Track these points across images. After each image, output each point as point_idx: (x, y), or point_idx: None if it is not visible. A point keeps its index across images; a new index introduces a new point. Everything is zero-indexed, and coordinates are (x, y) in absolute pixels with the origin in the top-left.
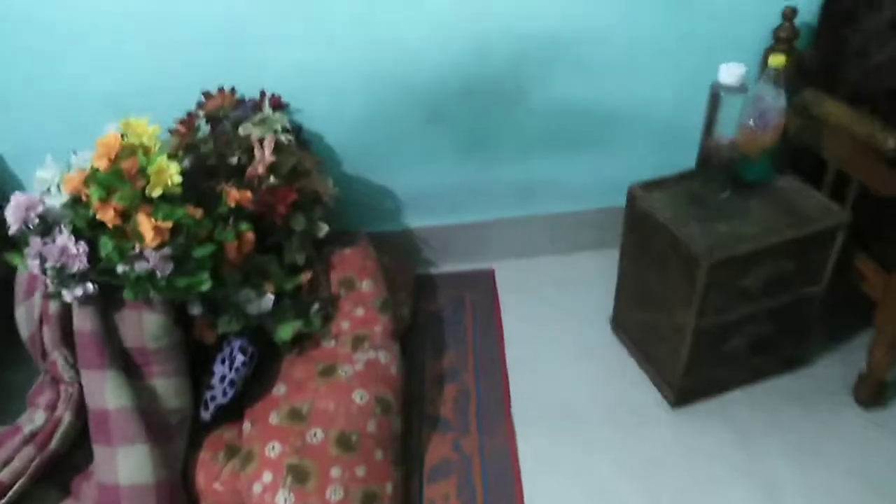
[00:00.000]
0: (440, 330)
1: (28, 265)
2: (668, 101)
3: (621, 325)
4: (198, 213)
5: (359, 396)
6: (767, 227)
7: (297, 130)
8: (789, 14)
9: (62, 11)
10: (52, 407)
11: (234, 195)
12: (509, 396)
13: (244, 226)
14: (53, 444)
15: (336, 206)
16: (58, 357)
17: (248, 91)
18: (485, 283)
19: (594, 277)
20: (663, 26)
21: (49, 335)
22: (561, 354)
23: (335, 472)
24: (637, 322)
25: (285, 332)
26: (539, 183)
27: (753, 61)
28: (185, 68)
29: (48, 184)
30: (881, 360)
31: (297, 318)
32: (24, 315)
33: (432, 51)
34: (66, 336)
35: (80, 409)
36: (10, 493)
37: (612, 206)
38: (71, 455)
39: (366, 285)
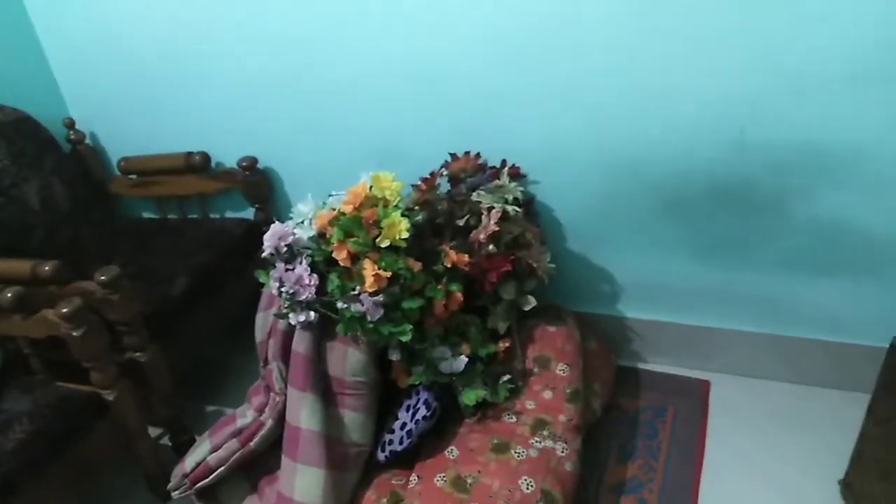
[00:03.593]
0: (632, 434)
1: (269, 285)
2: None
3: (855, 493)
4: (416, 266)
5: (525, 484)
6: None
7: (528, 201)
8: None
9: (357, 83)
10: (260, 410)
11: (452, 256)
12: None
13: (455, 286)
14: (253, 443)
15: (550, 280)
16: (274, 368)
17: (493, 158)
18: (695, 395)
19: (832, 422)
20: None
21: (272, 347)
22: None
23: None
24: (878, 498)
25: (469, 397)
26: (786, 301)
27: None
28: (441, 133)
29: (303, 217)
30: None
31: (485, 386)
32: (260, 322)
33: (681, 146)
34: (285, 352)
35: (282, 419)
36: (212, 476)
37: (874, 345)
38: (265, 456)
39: (561, 369)
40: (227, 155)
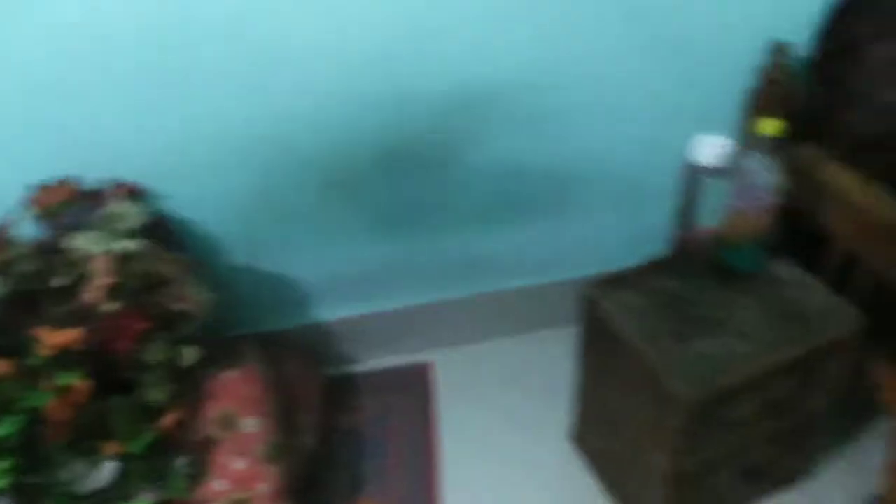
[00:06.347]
0: (357, 456)
1: None
2: (633, 160)
3: (583, 443)
4: (2, 366)
5: None
6: (763, 340)
7: (155, 223)
8: (780, 50)
9: None
10: None
11: (51, 339)
12: None
13: (70, 377)
14: None
15: (220, 309)
16: None
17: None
18: (416, 384)
19: (556, 364)
20: (627, 67)
21: None
22: (513, 482)
23: None
24: (601, 449)
25: None
26: (482, 257)
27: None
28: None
29: None
30: None
31: (155, 486)
32: None
33: (329, 107)
34: None
35: None
36: None
37: (575, 277)
38: None
39: (249, 424)
40: None
